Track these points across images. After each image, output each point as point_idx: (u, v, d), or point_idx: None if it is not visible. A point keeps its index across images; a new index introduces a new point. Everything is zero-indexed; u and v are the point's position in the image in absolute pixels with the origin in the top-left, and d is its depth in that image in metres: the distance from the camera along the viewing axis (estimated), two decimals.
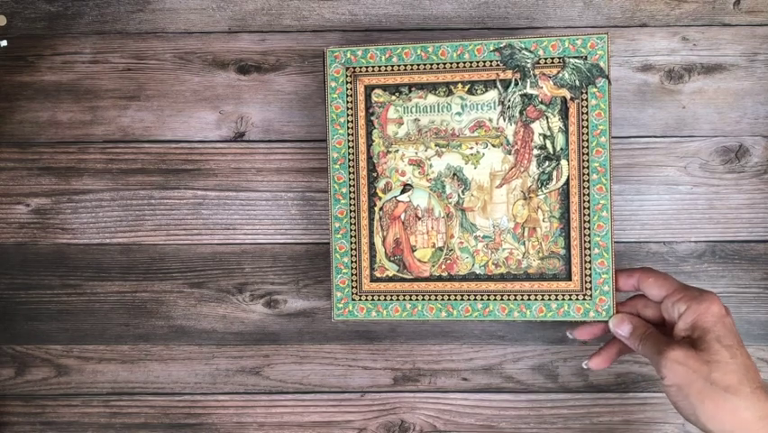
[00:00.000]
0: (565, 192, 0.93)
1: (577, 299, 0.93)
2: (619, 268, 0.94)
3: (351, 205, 0.95)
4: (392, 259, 0.96)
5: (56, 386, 1.08)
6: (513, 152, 0.93)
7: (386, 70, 0.93)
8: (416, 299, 0.94)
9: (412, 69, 0.93)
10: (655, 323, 0.89)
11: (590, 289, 0.92)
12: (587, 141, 0.91)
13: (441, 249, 0.95)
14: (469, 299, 0.94)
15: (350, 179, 0.94)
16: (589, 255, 0.92)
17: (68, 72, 1.05)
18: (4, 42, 1.04)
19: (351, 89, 0.94)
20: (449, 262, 0.95)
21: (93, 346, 1.07)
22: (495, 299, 0.93)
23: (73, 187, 1.05)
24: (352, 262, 0.95)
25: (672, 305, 0.86)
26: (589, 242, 0.92)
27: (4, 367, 1.07)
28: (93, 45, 1.05)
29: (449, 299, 0.94)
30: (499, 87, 0.93)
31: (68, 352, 1.07)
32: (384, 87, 0.94)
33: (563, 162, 0.93)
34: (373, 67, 0.93)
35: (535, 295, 0.94)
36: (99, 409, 1.08)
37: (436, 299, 0.94)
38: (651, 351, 0.83)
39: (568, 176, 0.93)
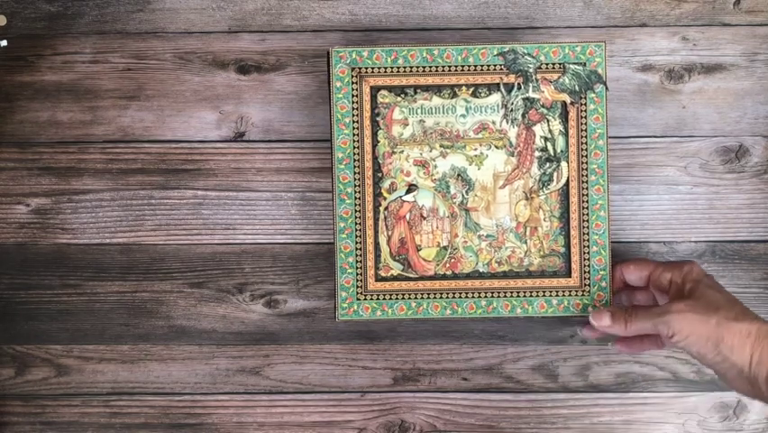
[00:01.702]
0: (565, 193, 0.95)
1: (576, 295, 0.95)
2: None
3: (356, 205, 0.95)
4: (397, 258, 0.96)
5: (56, 386, 1.07)
6: (515, 153, 0.94)
7: (391, 72, 0.94)
8: (421, 298, 0.95)
9: (417, 71, 0.94)
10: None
11: (589, 285, 0.95)
12: (586, 143, 0.93)
13: (445, 248, 0.96)
14: (473, 297, 0.95)
15: (355, 180, 0.95)
16: (588, 253, 0.95)
17: (68, 72, 1.05)
18: (4, 42, 1.04)
19: (356, 90, 0.94)
20: (453, 260, 0.96)
21: (93, 346, 1.07)
22: (498, 297, 0.95)
23: (73, 187, 1.05)
24: (357, 261, 0.96)
25: (659, 276, 0.90)
26: (588, 240, 0.94)
27: (4, 367, 1.07)
28: (93, 45, 1.04)
29: (453, 297, 0.95)
30: (503, 90, 0.94)
31: (68, 352, 1.07)
32: (390, 89, 0.95)
33: (563, 164, 0.94)
34: (379, 68, 0.94)
35: (537, 292, 0.95)
36: (99, 409, 1.07)
37: (441, 298, 0.95)
38: (648, 318, 0.86)
39: (568, 177, 0.94)
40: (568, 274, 0.96)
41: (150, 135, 1.05)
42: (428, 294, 0.95)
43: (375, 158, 0.96)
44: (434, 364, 1.06)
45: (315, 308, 1.06)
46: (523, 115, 0.94)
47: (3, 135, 1.05)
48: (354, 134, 0.95)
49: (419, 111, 0.95)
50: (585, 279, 0.95)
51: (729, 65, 1.02)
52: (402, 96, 0.95)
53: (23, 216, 1.05)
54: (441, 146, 0.95)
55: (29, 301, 1.07)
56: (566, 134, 0.94)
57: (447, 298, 0.95)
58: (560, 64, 0.93)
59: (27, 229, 1.06)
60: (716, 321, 0.81)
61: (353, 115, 0.95)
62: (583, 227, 0.94)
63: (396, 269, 0.96)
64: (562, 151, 0.94)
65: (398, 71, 0.94)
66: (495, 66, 0.93)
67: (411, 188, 0.95)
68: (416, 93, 0.95)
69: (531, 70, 0.93)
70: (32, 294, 1.06)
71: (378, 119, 0.95)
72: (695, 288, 0.86)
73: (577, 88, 0.93)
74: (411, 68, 0.94)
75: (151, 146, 1.05)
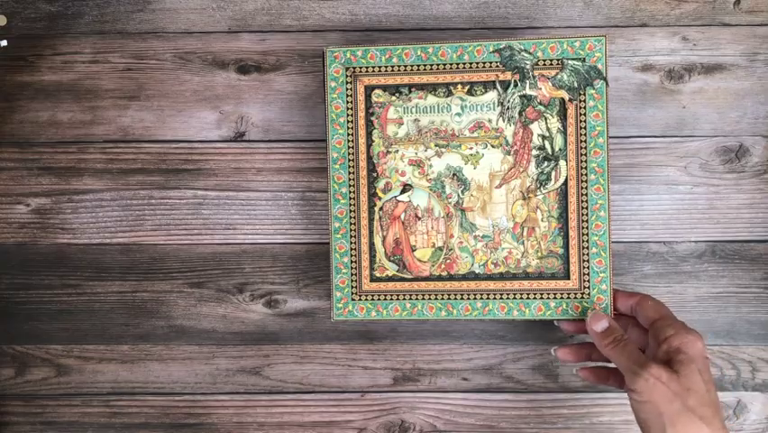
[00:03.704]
0: (564, 192, 0.94)
1: (575, 298, 0.94)
2: (621, 289, 0.97)
3: (350, 205, 0.95)
4: (392, 259, 0.96)
5: (56, 386, 1.08)
6: (512, 152, 0.94)
7: (386, 71, 0.94)
8: (416, 299, 0.95)
9: (412, 70, 0.93)
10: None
11: (588, 287, 0.94)
12: (585, 142, 0.92)
13: (440, 249, 0.95)
14: (468, 299, 0.94)
15: (349, 179, 0.95)
16: (587, 254, 0.94)
17: (68, 72, 1.05)
18: (4, 42, 1.04)
19: (351, 89, 0.94)
20: (448, 261, 0.95)
21: (93, 346, 1.07)
22: (494, 298, 0.94)
23: (73, 187, 1.05)
24: (351, 261, 0.96)
25: (660, 327, 0.87)
26: (587, 241, 0.93)
27: (4, 367, 1.08)
28: (93, 45, 1.05)
29: (449, 299, 0.95)
30: (499, 88, 0.93)
31: (68, 352, 1.07)
32: (384, 88, 0.95)
33: (562, 163, 0.93)
34: (373, 67, 0.94)
35: (534, 294, 0.94)
36: (99, 409, 1.08)
37: (436, 299, 0.95)
38: (627, 360, 0.84)
39: (566, 176, 0.93)
40: (566, 276, 0.95)
41: (150, 135, 1.05)
42: (423, 295, 0.95)
43: (370, 158, 0.95)
44: (434, 364, 1.06)
45: (315, 308, 1.06)
46: (520, 113, 0.93)
47: (3, 135, 1.05)
48: (349, 134, 0.95)
49: (414, 110, 0.95)
50: (584, 281, 0.94)
51: (729, 65, 1.01)
52: (397, 95, 0.95)
53: (23, 216, 1.06)
54: (436, 145, 0.95)
55: (29, 301, 1.07)
56: (565, 132, 0.93)
57: (442, 299, 0.95)
58: (558, 60, 0.92)
59: (27, 229, 1.06)
60: (679, 406, 0.80)
61: (348, 115, 0.95)
62: (582, 228, 0.93)
63: (391, 269, 0.96)
64: (560, 149, 0.93)
65: (393, 70, 0.94)
66: (491, 63, 0.93)
67: (406, 187, 0.95)
68: (410, 92, 0.95)
69: (528, 67, 0.92)
70: (32, 294, 1.07)
71: (372, 119, 0.95)
72: (685, 363, 0.82)
73: (576, 85, 0.92)
74: (405, 66, 0.93)
75: (151, 146, 1.05)
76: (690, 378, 0.81)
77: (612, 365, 0.94)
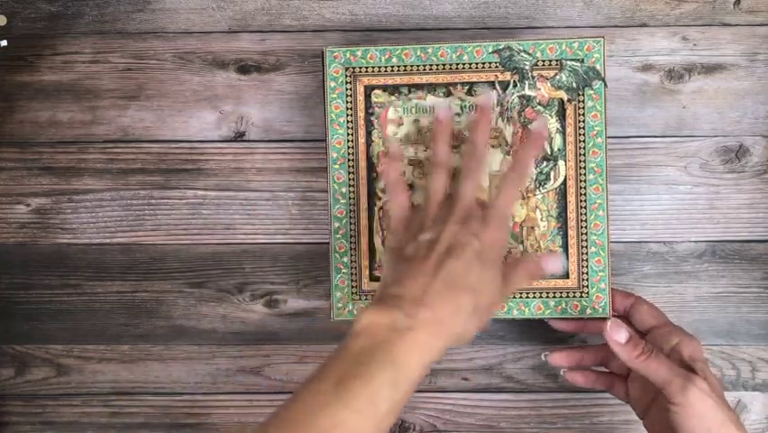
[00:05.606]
0: (563, 192, 0.94)
1: (574, 297, 0.94)
2: (616, 289, 0.96)
3: (350, 205, 0.95)
4: None
5: (56, 386, 1.08)
6: (511, 152, 0.94)
7: (385, 71, 0.93)
8: None
9: (411, 70, 0.93)
10: None
11: (587, 286, 0.93)
12: (584, 142, 0.92)
13: None
14: None
15: (349, 180, 0.95)
16: (586, 254, 0.93)
17: (68, 72, 1.05)
18: (4, 42, 1.04)
19: (350, 89, 0.94)
20: None
21: (93, 346, 1.07)
22: None
23: (73, 187, 1.05)
24: (351, 261, 0.96)
25: (663, 336, 0.87)
26: (586, 240, 0.93)
27: (4, 367, 1.07)
28: (93, 45, 1.05)
29: None
30: (498, 88, 0.93)
31: (68, 352, 1.07)
32: (384, 88, 0.95)
33: (561, 163, 0.93)
34: (373, 67, 0.93)
35: (534, 293, 0.94)
36: (99, 409, 1.08)
37: None
38: (669, 372, 0.82)
39: (565, 176, 0.94)
40: (566, 275, 0.95)
41: (150, 135, 1.05)
42: None
43: (369, 158, 0.95)
44: (435, 364, 1.05)
45: (315, 308, 1.06)
46: (519, 114, 0.94)
47: (3, 135, 1.05)
48: (348, 134, 0.95)
49: (414, 110, 0.95)
50: (583, 280, 0.94)
51: (729, 65, 1.01)
52: (396, 95, 0.95)
53: (23, 216, 1.06)
54: None
55: (29, 301, 1.07)
56: (563, 132, 0.93)
57: None
58: (557, 61, 0.92)
59: (27, 229, 1.06)
60: (722, 416, 0.79)
61: (347, 115, 0.95)
62: (581, 227, 0.93)
63: None
64: (559, 149, 0.93)
65: (392, 70, 0.94)
66: (490, 63, 0.93)
67: None
68: (410, 92, 0.94)
69: (527, 67, 0.92)
70: (32, 294, 1.07)
71: (372, 119, 0.95)
72: (705, 371, 0.83)
73: (574, 85, 0.92)
74: (405, 67, 0.93)
75: (151, 146, 1.05)
76: (715, 386, 0.82)
77: (601, 368, 0.95)
